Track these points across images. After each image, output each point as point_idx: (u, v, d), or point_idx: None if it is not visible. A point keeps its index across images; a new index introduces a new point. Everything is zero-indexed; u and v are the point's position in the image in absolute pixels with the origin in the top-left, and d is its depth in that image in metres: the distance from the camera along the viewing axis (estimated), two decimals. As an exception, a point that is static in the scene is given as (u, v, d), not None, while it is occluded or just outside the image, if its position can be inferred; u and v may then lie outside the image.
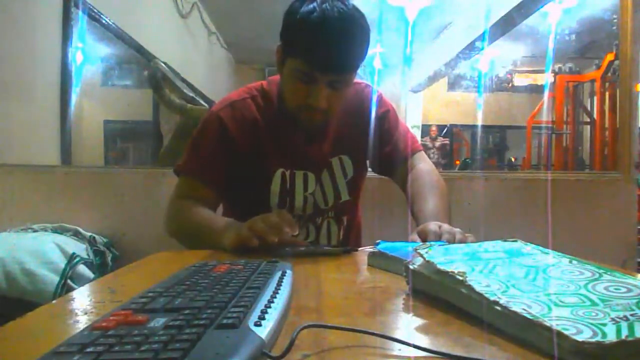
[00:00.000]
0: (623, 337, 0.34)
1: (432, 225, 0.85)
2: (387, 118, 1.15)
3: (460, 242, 0.79)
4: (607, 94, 5.37)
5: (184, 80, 2.61)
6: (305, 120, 1.01)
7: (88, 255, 1.45)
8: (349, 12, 0.93)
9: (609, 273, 0.49)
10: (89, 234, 1.54)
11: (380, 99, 1.16)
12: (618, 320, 0.37)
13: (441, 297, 0.50)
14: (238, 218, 1.06)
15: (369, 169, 1.23)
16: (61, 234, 1.51)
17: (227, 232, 0.87)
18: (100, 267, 1.48)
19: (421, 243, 0.73)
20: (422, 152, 1.17)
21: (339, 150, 1.12)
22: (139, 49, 3.11)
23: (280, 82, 1.06)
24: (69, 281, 1.32)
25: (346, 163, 1.13)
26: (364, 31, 0.96)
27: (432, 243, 0.61)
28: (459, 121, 9.35)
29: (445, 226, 0.85)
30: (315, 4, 0.92)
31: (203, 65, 5.52)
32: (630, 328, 0.36)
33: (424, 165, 1.13)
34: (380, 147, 1.14)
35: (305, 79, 0.95)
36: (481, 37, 5.67)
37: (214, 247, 0.89)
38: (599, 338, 0.34)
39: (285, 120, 1.06)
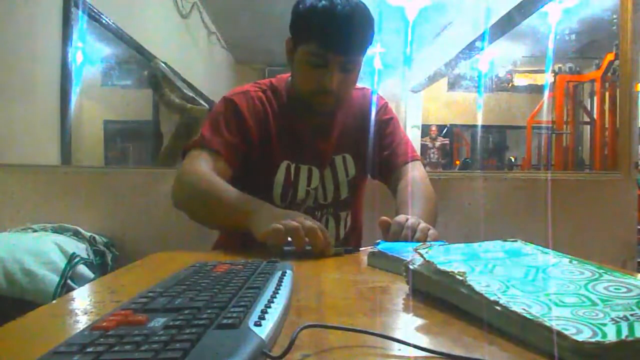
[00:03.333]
0: (623, 337, 0.34)
1: (400, 217, 0.89)
2: (391, 124, 1.19)
3: (418, 240, 0.84)
4: (607, 94, 5.36)
5: (184, 80, 2.61)
6: (318, 104, 1.05)
7: (88, 255, 1.45)
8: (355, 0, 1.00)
9: (609, 273, 0.49)
10: (89, 234, 1.54)
11: (386, 107, 1.22)
12: (618, 320, 0.37)
13: (441, 297, 0.50)
14: None
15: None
16: (61, 234, 1.51)
17: (258, 219, 0.84)
18: (100, 267, 1.48)
19: (421, 243, 0.73)
20: (419, 162, 1.18)
21: (343, 149, 1.15)
22: (139, 49, 3.10)
23: (292, 72, 1.10)
24: (69, 281, 1.32)
25: (349, 162, 1.16)
26: (370, 17, 1.02)
27: (432, 243, 0.61)
28: (459, 121, 9.35)
29: (411, 221, 0.88)
30: None
31: (203, 65, 5.52)
32: (630, 328, 0.36)
33: (417, 173, 1.13)
34: (379, 151, 1.17)
35: (318, 63, 1.00)
36: (481, 37, 5.67)
37: (232, 227, 0.88)
38: (599, 338, 0.34)
39: (293, 114, 1.11)
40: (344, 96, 1.07)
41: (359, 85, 1.22)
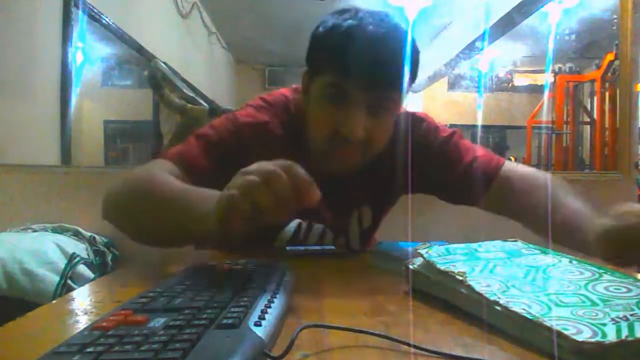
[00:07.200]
0: (623, 337, 0.34)
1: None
2: (450, 144, 0.90)
3: None
4: (607, 94, 5.36)
5: (184, 80, 2.61)
6: (337, 160, 0.77)
7: (88, 255, 1.45)
8: (393, 19, 0.76)
9: (609, 273, 0.49)
10: (89, 234, 1.54)
11: (436, 131, 0.92)
12: (618, 320, 0.37)
13: (441, 297, 0.50)
14: None
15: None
16: (61, 234, 1.51)
17: (211, 201, 0.53)
18: (100, 267, 1.48)
19: (421, 243, 0.73)
20: (510, 162, 0.90)
21: (362, 202, 0.91)
22: (139, 49, 3.11)
23: (306, 115, 0.81)
24: (69, 281, 1.32)
25: (366, 214, 0.92)
26: (412, 42, 0.76)
27: (432, 243, 0.61)
28: (459, 121, 9.34)
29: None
30: (349, 13, 0.76)
31: (203, 65, 5.51)
32: (630, 328, 0.36)
33: (522, 169, 0.87)
34: (451, 182, 0.89)
35: (338, 100, 0.74)
36: (481, 37, 5.67)
37: (187, 229, 0.58)
38: (599, 338, 0.34)
39: (310, 163, 0.78)
40: (372, 149, 0.78)
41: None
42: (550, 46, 6.23)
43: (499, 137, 10.00)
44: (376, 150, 0.79)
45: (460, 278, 0.47)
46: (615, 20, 1.89)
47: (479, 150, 0.90)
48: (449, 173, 0.88)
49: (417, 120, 0.92)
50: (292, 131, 0.83)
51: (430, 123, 0.93)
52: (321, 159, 0.78)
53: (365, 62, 0.71)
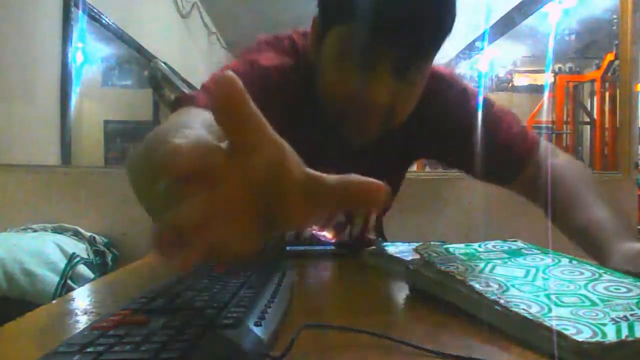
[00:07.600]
0: (623, 337, 0.34)
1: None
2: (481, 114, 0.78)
3: None
4: (607, 94, 5.37)
5: (184, 80, 2.61)
6: (351, 127, 0.66)
7: (88, 255, 1.46)
8: None
9: (609, 273, 0.49)
10: (89, 234, 1.54)
11: (465, 94, 0.80)
12: (618, 320, 0.37)
13: (441, 297, 0.50)
14: None
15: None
16: (61, 234, 1.51)
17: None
18: (100, 267, 1.48)
19: (422, 243, 0.72)
20: (545, 143, 0.82)
21: (382, 173, 0.82)
22: (139, 49, 3.11)
23: (317, 67, 0.67)
24: (69, 281, 1.32)
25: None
26: None
27: (432, 243, 0.61)
28: (459, 121, 9.33)
29: None
30: None
31: (203, 65, 5.52)
32: (630, 328, 0.36)
33: (560, 160, 0.80)
34: (477, 154, 0.77)
35: (358, 58, 0.61)
36: (481, 37, 5.67)
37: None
38: (599, 338, 0.34)
39: (323, 125, 0.69)
40: (398, 117, 0.66)
41: None
42: (550, 46, 6.23)
43: (499, 137, 10.01)
44: (400, 118, 0.67)
45: (460, 278, 0.46)
46: (615, 20, 1.90)
47: (514, 124, 0.79)
48: (479, 147, 0.76)
49: (444, 82, 0.78)
50: (303, 84, 0.69)
51: (458, 85, 0.81)
52: (334, 123, 0.67)
53: (396, 10, 0.57)
